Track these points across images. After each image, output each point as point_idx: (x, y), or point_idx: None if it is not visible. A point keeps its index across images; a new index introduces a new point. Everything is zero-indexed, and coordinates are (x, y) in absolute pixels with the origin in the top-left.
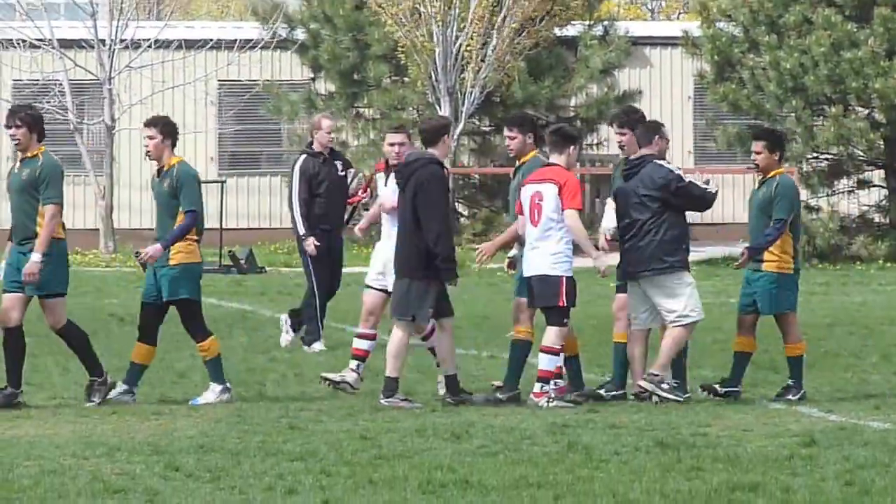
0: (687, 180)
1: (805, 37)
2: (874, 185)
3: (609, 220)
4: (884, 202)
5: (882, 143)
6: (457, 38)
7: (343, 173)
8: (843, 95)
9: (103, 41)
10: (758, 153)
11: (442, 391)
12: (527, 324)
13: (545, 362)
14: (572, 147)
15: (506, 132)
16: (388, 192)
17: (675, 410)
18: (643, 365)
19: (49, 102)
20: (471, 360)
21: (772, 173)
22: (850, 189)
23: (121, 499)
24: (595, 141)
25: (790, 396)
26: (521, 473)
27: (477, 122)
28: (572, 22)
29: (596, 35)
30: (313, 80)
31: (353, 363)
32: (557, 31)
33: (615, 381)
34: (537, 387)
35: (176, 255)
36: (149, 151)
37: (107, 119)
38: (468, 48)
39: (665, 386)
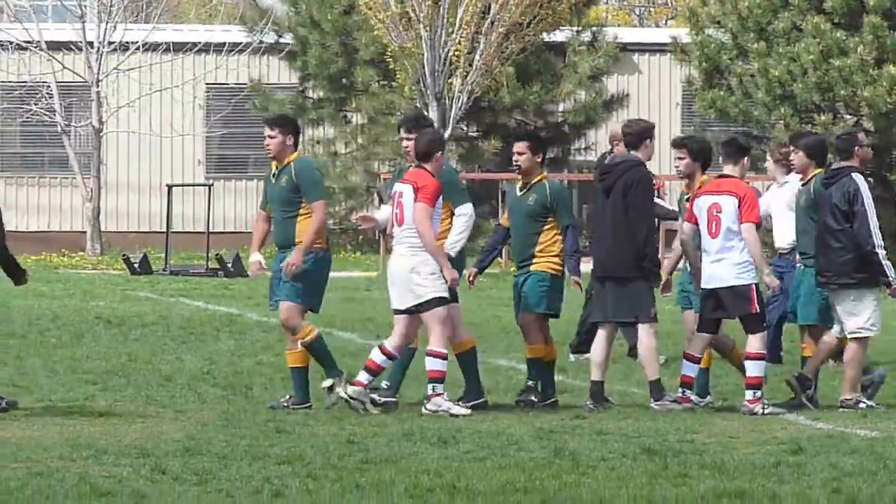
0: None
1: (794, 44)
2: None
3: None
4: None
5: (871, 151)
6: (445, 42)
7: None
8: (831, 103)
9: (91, 43)
10: (520, 154)
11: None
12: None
13: (753, 369)
14: (746, 157)
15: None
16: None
17: (663, 417)
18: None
19: (37, 104)
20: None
21: (537, 177)
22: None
23: (108, 501)
24: (583, 146)
25: (532, 397)
26: (507, 479)
27: (465, 128)
28: (560, 27)
29: (584, 41)
30: (303, 90)
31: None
32: (545, 37)
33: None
34: (749, 394)
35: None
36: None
37: (94, 122)
38: (456, 53)
39: (862, 405)
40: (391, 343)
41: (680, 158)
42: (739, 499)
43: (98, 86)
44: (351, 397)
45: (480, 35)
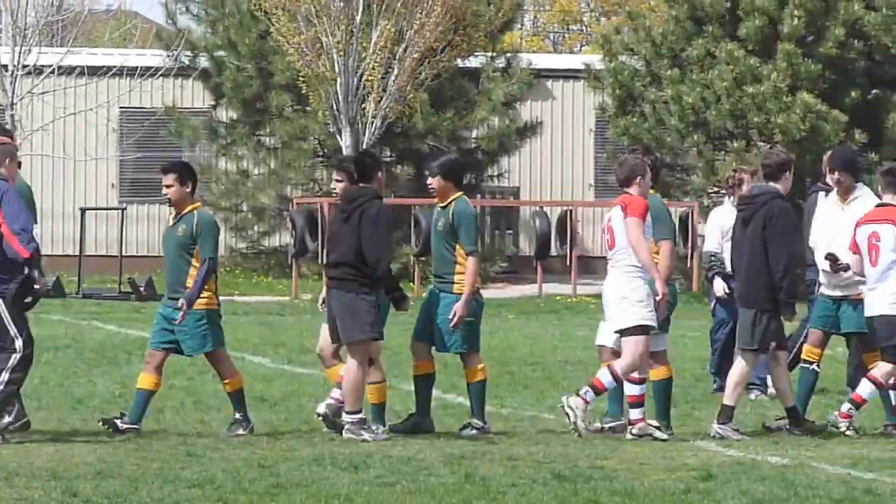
0: None
1: (708, 71)
2: None
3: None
4: None
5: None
6: (358, 67)
7: None
8: (745, 130)
9: (6, 67)
10: (168, 186)
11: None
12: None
13: (865, 389)
14: None
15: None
16: None
17: (574, 443)
18: None
19: None
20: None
21: (188, 208)
22: None
23: None
24: (496, 173)
25: (241, 431)
26: None
27: (378, 153)
28: (475, 53)
29: (498, 67)
30: (214, 107)
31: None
32: (460, 63)
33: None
34: (845, 407)
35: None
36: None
37: None
38: (370, 78)
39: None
40: (620, 364)
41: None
42: None
43: (12, 109)
44: (570, 407)
45: (394, 60)
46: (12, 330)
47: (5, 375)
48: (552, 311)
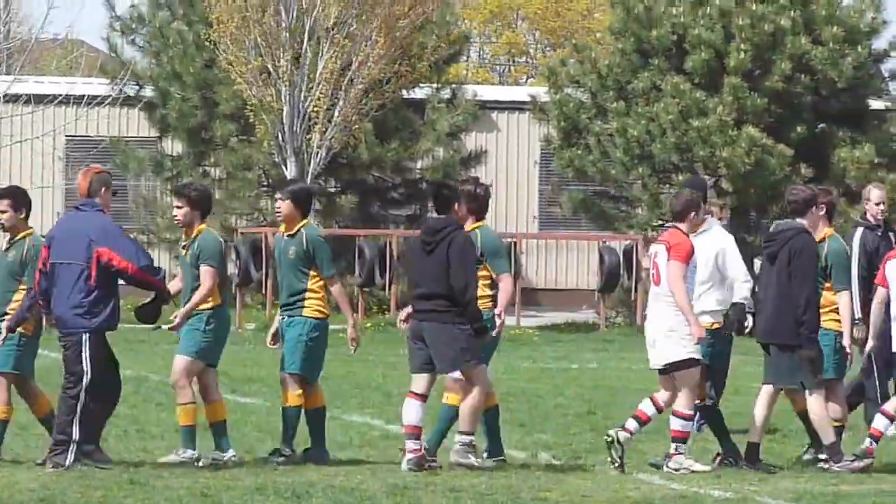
0: None
1: (653, 104)
2: None
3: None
4: None
5: (729, 212)
6: (304, 98)
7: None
8: (690, 163)
9: None
10: (2, 212)
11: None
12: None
13: (879, 422)
14: None
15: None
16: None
17: (516, 474)
18: None
19: None
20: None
21: (21, 234)
22: None
23: None
24: None
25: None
26: None
27: (323, 183)
28: (420, 84)
29: (443, 98)
30: (160, 138)
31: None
32: (405, 94)
33: None
34: (867, 442)
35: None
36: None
37: None
38: (315, 109)
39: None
40: (662, 397)
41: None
42: None
43: None
44: (620, 442)
45: (340, 91)
46: (85, 365)
47: (83, 398)
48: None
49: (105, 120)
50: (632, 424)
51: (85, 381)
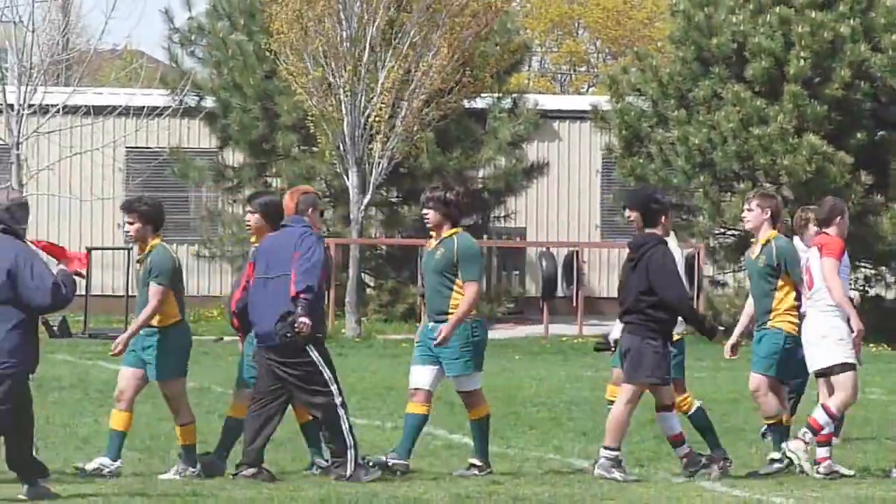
0: None
1: (714, 112)
2: None
3: None
4: None
5: (790, 219)
6: (365, 108)
7: None
8: (751, 171)
9: (11, 106)
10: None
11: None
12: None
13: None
14: None
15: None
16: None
17: (579, 483)
18: None
19: None
20: (375, 430)
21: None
22: None
23: None
24: (503, 214)
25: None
26: None
27: (384, 193)
28: (481, 94)
29: (505, 107)
30: (220, 148)
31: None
32: (466, 103)
33: None
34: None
35: None
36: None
37: (14, 184)
38: (377, 119)
39: None
40: (834, 402)
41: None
42: None
43: (18, 148)
44: (791, 451)
45: (401, 101)
46: (326, 374)
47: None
48: (558, 352)
49: (165, 131)
50: (807, 435)
51: None
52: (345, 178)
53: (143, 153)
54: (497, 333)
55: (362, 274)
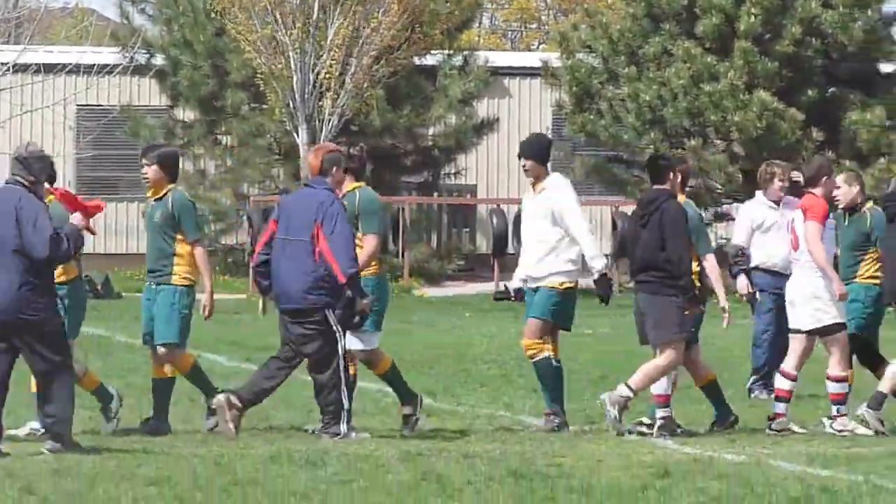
0: None
1: (664, 69)
2: (731, 219)
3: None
4: None
5: (741, 175)
6: (315, 65)
7: None
8: (701, 128)
9: None
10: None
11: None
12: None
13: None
14: None
15: None
16: None
17: (530, 441)
18: None
19: None
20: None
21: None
22: (708, 222)
23: None
24: (453, 171)
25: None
26: (374, 502)
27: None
28: (432, 51)
29: (455, 64)
30: (171, 107)
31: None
32: (417, 60)
33: None
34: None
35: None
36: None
37: None
38: (327, 76)
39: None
40: (788, 364)
41: None
42: None
43: None
44: (776, 430)
45: (351, 58)
46: (338, 335)
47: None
48: (509, 309)
49: (116, 89)
50: (780, 407)
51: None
52: (294, 135)
53: (94, 111)
54: (448, 290)
55: None
